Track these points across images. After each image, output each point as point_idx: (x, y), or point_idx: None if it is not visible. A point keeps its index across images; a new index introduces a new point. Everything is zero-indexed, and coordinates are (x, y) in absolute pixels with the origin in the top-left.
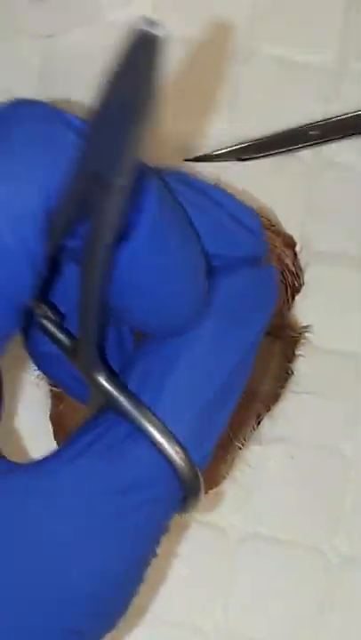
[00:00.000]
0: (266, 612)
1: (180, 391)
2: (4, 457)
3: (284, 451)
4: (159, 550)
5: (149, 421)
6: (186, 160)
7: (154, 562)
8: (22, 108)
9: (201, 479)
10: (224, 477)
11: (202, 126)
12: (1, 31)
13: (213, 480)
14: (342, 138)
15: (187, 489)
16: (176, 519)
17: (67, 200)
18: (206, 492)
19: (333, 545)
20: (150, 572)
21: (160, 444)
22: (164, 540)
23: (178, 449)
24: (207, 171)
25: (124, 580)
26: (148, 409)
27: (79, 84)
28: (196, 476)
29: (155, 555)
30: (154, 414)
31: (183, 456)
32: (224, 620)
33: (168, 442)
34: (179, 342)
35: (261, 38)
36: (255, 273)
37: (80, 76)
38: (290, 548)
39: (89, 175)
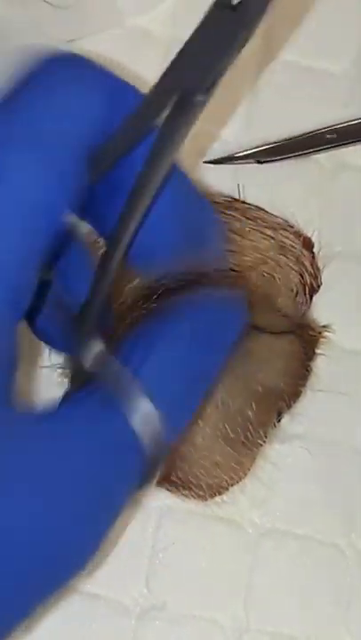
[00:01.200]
0: (285, 606)
1: (162, 367)
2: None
3: (303, 448)
4: (180, 544)
5: (129, 389)
6: (205, 162)
7: (174, 555)
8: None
9: (163, 455)
10: (246, 474)
11: (220, 129)
12: (23, 36)
13: (237, 476)
14: (358, 141)
15: (150, 461)
16: (194, 513)
17: (121, 131)
18: (229, 488)
19: (350, 541)
20: (170, 566)
21: (135, 413)
22: (184, 534)
23: (151, 419)
24: (225, 173)
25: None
26: (129, 377)
27: None
28: (162, 449)
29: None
30: (134, 383)
31: (155, 427)
32: (243, 614)
33: (144, 411)
34: (164, 329)
35: (279, 44)
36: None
37: None
38: (308, 544)
39: (166, 93)
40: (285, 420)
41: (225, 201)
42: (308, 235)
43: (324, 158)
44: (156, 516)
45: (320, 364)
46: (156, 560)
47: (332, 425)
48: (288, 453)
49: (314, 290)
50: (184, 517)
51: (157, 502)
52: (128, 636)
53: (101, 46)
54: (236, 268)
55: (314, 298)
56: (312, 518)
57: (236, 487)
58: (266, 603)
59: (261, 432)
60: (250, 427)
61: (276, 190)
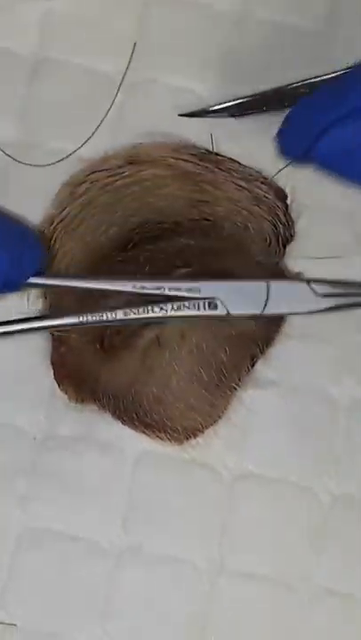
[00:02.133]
0: (259, 548)
1: None
2: None
3: (277, 393)
4: (155, 488)
5: None
6: (180, 115)
7: (150, 498)
8: None
9: None
10: (221, 416)
11: (195, 84)
12: None
13: (211, 418)
14: None
15: None
16: (170, 457)
17: None
18: (204, 430)
19: (324, 484)
20: (146, 509)
21: None
22: (160, 478)
23: None
24: (200, 126)
25: None
26: None
27: (77, 44)
28: None
29: None
30: None
31: None
32: (218, 555)
33: None
34: None
35: (253, 2)
36: None
37: (78, 36)
38: (282, 488)
39: None
40: (259, 365)
41: (199, 153)
42: (281, 186)
43: None
44: (133, 459)
45: None
46: (133, 503)
47: (304, 371)
48: (262, 399)
49: (287, 240)
50: (160, 461)
51: (134, 446)
52: (105, 577)
53: (79, 3)
54: (210, 218)
55: (287, 248)
56: (285, 462)
57: (210, 430)
58: (240, 544)
59: (235, 375)
60: (223, 370)
61: (251, 143)
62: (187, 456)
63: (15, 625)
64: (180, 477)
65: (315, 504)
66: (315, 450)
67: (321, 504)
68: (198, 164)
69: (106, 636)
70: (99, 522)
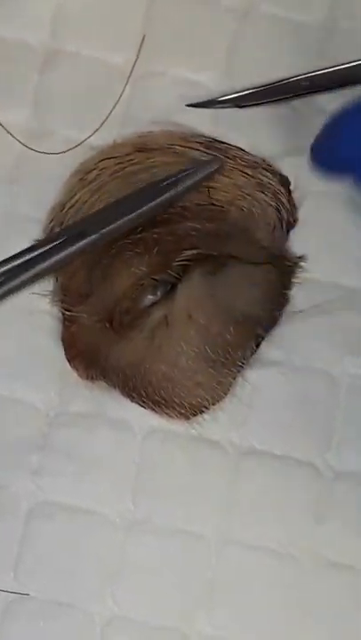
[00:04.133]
0: (263, 521)
1: None
2: None
3: (280, 371)
4: (163, 463)
5: None
6: (187, 105)
7: (158, 473)
8: None
9: None
10: (226, 393)
11: (202, 76)
12: None
13: (217, 395)
14: (330, 89)
15: None
16: (177, 433)
17: None
18: (210, 407)
19: (325, 460)
20: (154, 482)
21: None
22: (168, 453)
23: None
24: (207, 116)
25: None
26: None
27: (88, 37)
28: None
29: None
30: None
31: None
32: (225, 527)
33: None
34: None
35: None
36: None
37: (89, 29)
38: (285, 463)
39: None
40: (264, 345)
41: (206, 141)
42: (285, 173)
43: (299, 104)
44: (142, 435)
45: (296, 295)
46: (142, 477)
47: (306, 351)
48: (266, 377)
49: (291, 225)
50: (168, 437)
51: (143, 422)
52: (115, 549)
53: None
54: (216, 203)
55: (291, 233)
56: (288, 439)
57: (216, 407)
58: (245, 517)
59: (240, 354)
60: (229, 349)
61: (256, 132)
62: (194, 432)
63: (28, 595)
64: (187, 453)
65: (317, 479)
66: (317, 427)
67: (323, 479)
68: (205, 152)
69: (116, 605)
70: (109, 496)
